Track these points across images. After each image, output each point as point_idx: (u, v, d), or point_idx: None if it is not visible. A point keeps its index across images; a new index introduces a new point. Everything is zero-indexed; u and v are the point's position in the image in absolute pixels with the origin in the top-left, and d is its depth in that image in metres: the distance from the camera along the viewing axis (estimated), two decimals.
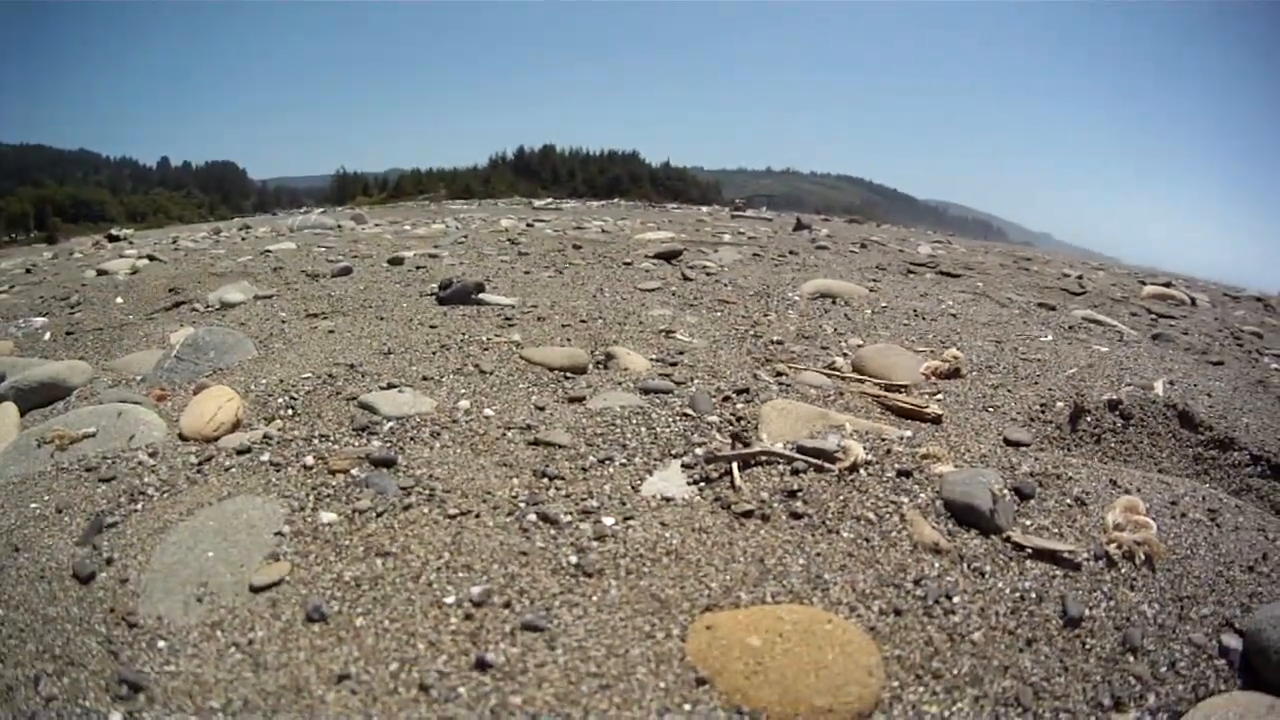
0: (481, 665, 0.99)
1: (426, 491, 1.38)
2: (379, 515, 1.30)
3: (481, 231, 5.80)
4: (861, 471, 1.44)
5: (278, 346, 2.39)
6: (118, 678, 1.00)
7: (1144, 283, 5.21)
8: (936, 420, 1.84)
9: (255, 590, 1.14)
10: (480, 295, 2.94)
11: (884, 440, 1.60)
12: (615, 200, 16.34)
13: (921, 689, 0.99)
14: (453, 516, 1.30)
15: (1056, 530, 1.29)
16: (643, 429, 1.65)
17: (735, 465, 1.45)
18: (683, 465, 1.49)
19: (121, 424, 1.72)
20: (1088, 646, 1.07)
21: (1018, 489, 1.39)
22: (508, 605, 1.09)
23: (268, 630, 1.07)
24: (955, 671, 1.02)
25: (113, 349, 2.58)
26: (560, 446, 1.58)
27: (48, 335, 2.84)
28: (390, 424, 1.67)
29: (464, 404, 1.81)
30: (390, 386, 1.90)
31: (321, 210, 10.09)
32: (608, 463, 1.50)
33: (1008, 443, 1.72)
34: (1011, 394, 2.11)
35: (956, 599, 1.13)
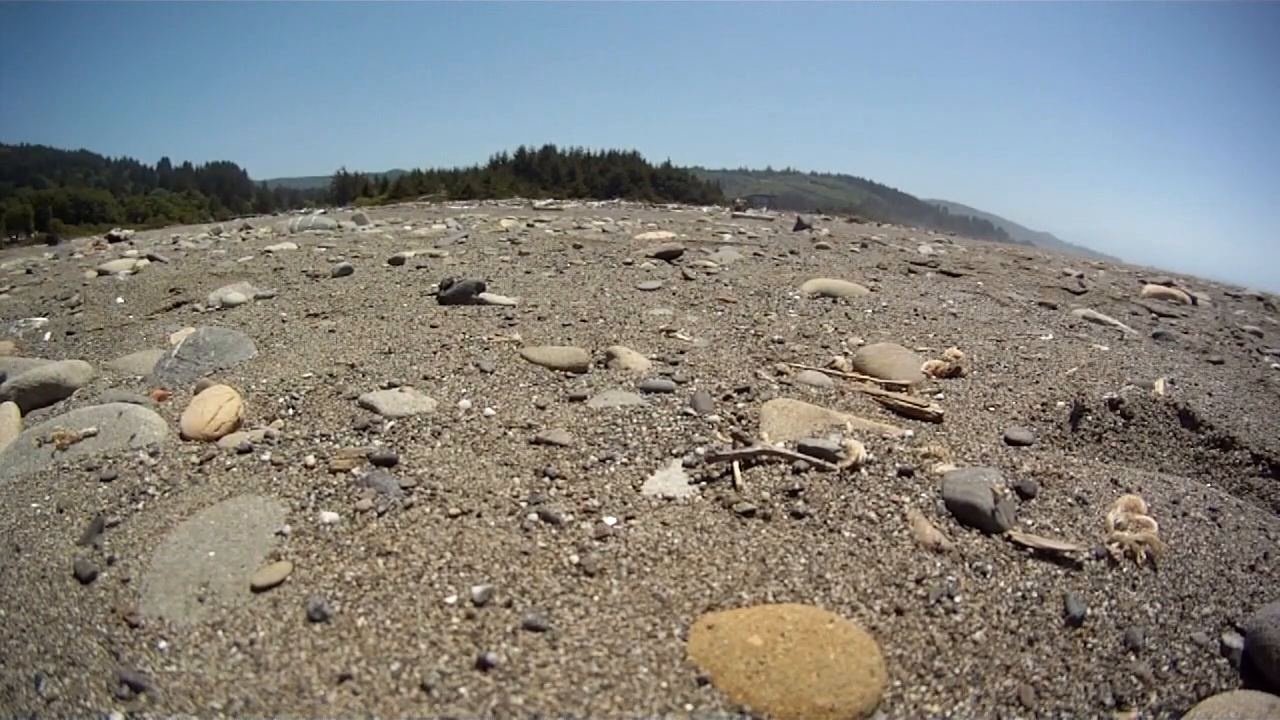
0: (483, 665, 0.99)
1: (428, 491, 1.38)
2: (380, 515, 1.30)
3: (482, 232, 5.80)
4: (863, 471, 1.44)
5: (278, 346, 2.39)
6: (119, 678, 1.00)
7: (1144, 282, 5.21)
8: (937, 419, 1.84)
9: (256, 590, 1.14)
10: (481, 295, 2.94)
11: (885, 439, 1.60)
12: (616, 200, 16.35)
13: (923, 688, 0.99)
14: (454, 516, 1.30)
15: (1058, 529, 1.29)
16: (644, 428, 1.65)
17: (736, 464, 1.45)
18: (684, 464, 1.49)
19: (122, 424, 1.72)
20: (1089, 646, 1.07)
21: (1019, 488, 1.39)
22: (509, 605, 1.09)
23: (269, 630, 1.07)
24: (957, 671, 1.01)
25: (113, 349, 2.58)
26: (561, 446, 1.58)
27: (48, 335, 2.84)
28: (391, 423, 1.67)
29: (465, 403, 1.81)
30: (391, 386, 1.90)
31: (322, 211, 10.09)
32: (609, 462, 1.50)
33: (1009, 442, 1.72)
34: (1012, 393, 2.11)
35: (958, 598, 1.13)
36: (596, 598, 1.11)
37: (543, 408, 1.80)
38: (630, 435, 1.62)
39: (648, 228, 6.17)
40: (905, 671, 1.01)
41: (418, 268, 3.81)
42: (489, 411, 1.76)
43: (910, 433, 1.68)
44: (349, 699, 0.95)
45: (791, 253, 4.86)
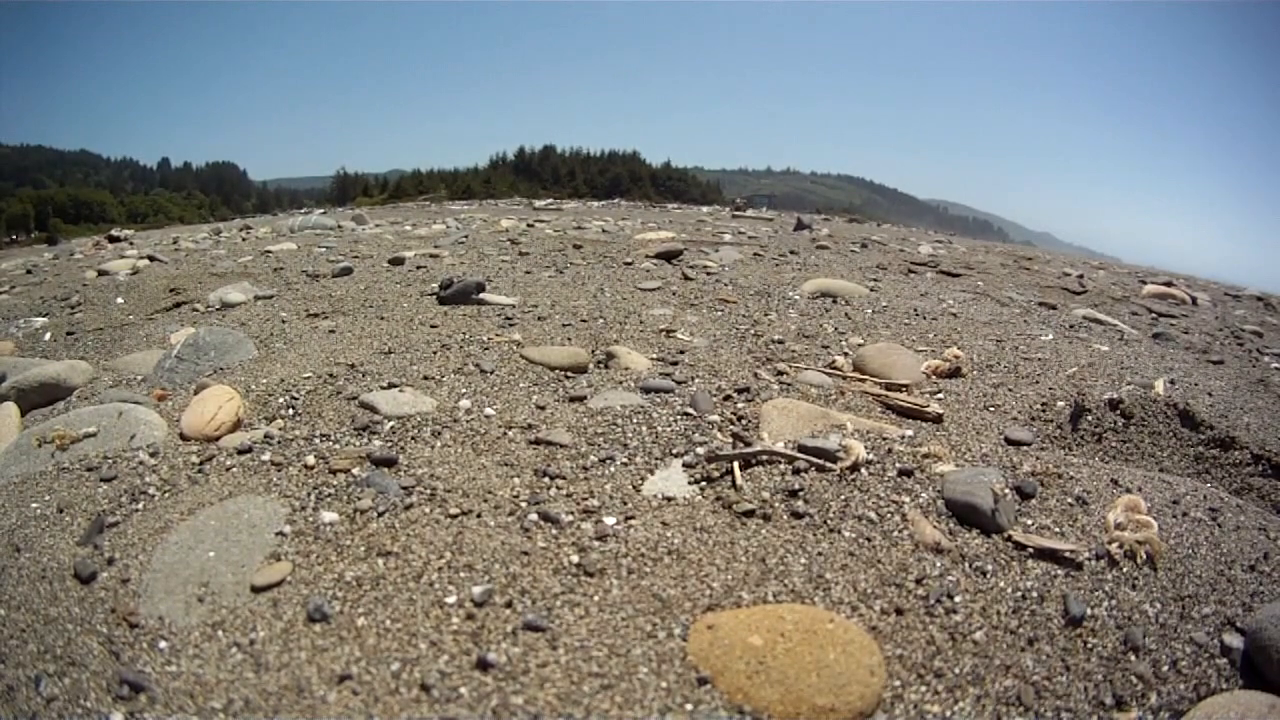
0: (483, 665, 0.99)
1: (428, 491, 1.38)
2: (380, 515, 1.30)
3: (482, 232, 5.80)
4: (863, 471, 1.44)
5: (278, 346, 2.39)
6: (119, 678, 1.00)
7: (1144, 282, 5.21)
8: (937, 419, 1.84)
9: (256, 590, 1.14)
10: (481, 295, 2.94)
11: (885, 439, 1.60)
12: (616, 200, 16.37)
13: (923, 688, 0.99)
14: (454, 516, 1.30)
15: (1058, 529, 1.29)
16: (644, 428, 1.65)
17: (736, 464, 1.45)
18: (684, 464, 1.49)
19: (122, 424, 1.72)
20: (1089, 645, 1.07)
21: (1019, 488, 1.39)
22: (509, 605, 1.09)
23: (269, 630, 1.07)
24: (957, 671, 1.01)
25: (113, 349, 2.58)
26: (561, 446, 1.58)
27: (48, 335, 2.84)
28: (391, 423, 1.67)
29: (465, 403, 1.81)
30: (391, 386, 1.90)
31: (322, 211, 10.10)
32: (609, 462, 1.50)
33: (1009, 442, 1.72)
34: (1012, 393, 2.11)
35: (958, 598, 1.13)
36: (596, 598, 1.11)
37: (543, 408, 1.80)
38: (630, 435, 1.62)
39: (648, 228, 6.17)
40: (905, 671, 1.01)
41: (418, 268, 3.81)
42: (489, 411, 1.76)
43: (910, 433, 1.68)
44: (349, 699, 0.95)
45: (791, 253, 4.86)
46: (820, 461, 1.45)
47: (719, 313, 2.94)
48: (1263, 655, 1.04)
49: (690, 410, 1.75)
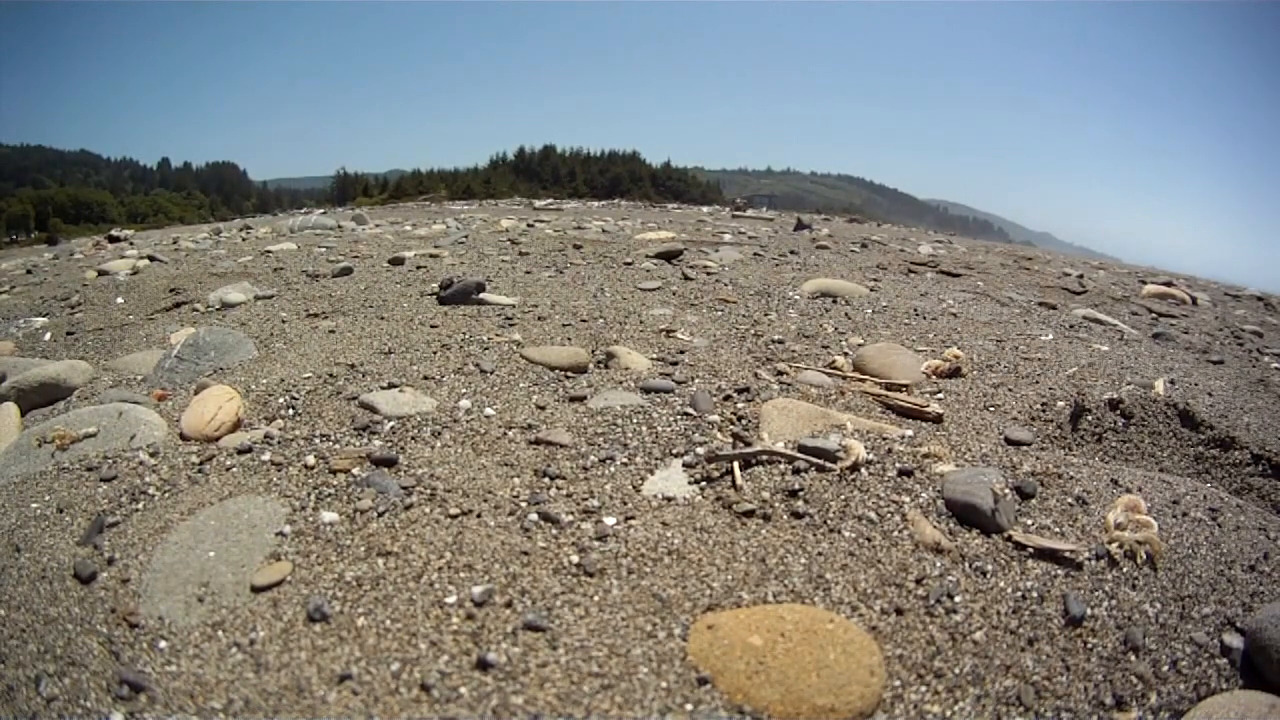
0: (483, 665, 0.99)
1: (428, 491, 1.38)
2: (380, 515, 1.30)
3: (482, 232, 5.80)
4: (863, 471, 1.44)
5: (278, 346, 2.39)
6: (119, 678, 1.00)
7: (1144, 282, 5.21)
8: (937, 419, 1.84)
9: (256, 590, 1.14)
10: (481, 295, 2.94)
11: (885, 439, 1.60)
12: (616, 200, 16.37)
13: (923, 688, 0.99)
14: (454, 516, 1.30)
15: (1058, 530, 1.29)
16: (644, 428, 1.65)
17: (736, 464, 1.45)
18: (684, 464, 1.49)
19: (122, 424, 1.72)
20: (1089, 646, 1.07)
21: (1019, 488, 1.39)
22: (509, 605, 1.09)
23: (269, 630, 1.07)
24: (957, 671, 1.01)
25: (113, 349, 2.58)
26: (561, 446, 1.58)
27: (48, 335, 2.84)
28: (391, 423, 1.68)
29: (465, 403, 1.81)
30: (391, 386, 1.90)
31: (322, 211, 10.09)
32: (609, 462, 1.50)
33: (1009, 442, 1.72)
34: (1012, 393, 2.10)
35: (958, 598, 1.13)
36: (596, 598, 1.11)
37: (543, 408, 1.80)
38: (630, 435, 1.62)
39: (648, 228, 6.17)
40: (905, 671, 1.01)
41: (418, 268, 3.81)
42: (489, 411, 1.76)
43: (910, 433, 1.68)
44: (349, 699, 0.95)
45: (791, 253, 4.86)
46: (820, 461, 1.45)
47: (719, 313, 2.94)
48: (1263, 655, 1.04)
49: (690, 410, 1.75)
